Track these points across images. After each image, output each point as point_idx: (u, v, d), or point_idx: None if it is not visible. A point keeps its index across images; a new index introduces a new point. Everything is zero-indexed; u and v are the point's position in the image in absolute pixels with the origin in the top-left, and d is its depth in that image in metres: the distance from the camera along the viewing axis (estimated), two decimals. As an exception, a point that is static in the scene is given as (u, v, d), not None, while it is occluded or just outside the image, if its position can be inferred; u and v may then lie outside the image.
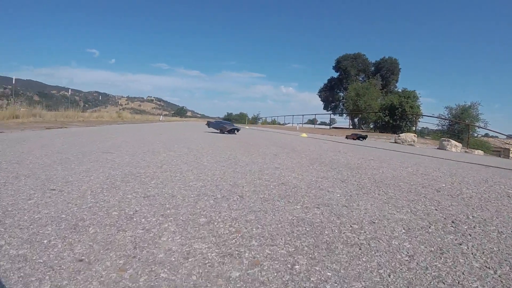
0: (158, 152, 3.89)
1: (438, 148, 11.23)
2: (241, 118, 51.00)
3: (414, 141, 12.43)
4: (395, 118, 20.06)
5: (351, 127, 26.71)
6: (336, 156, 4.72)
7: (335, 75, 40.00)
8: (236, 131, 9.90)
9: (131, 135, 6.89)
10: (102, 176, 2.33)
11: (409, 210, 1.88)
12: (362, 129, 25.60)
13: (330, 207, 1.85)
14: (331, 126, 30.05)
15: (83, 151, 3.65)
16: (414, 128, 19.45)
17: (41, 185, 1.98)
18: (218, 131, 9.89)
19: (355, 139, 12.17)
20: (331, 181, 2.66)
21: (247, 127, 25.09)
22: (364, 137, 12.93)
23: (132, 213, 1.56)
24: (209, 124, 10.88)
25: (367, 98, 25.04)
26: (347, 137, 12.92)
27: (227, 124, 10.00)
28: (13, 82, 12.99)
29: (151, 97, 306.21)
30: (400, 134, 13.16)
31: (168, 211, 1.62)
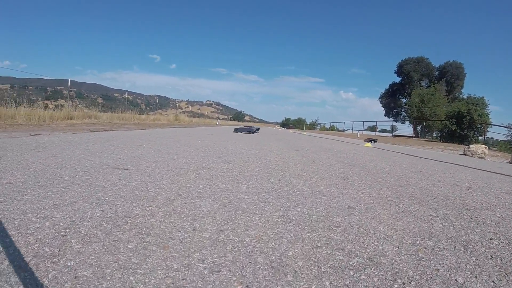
0: (186, 170, 3.01)
1: (510, 162, 8.87)
2: (299, 123, 50.22)
3: (484, 154, 10.57)
4: (462, 127, 19.24)
5: (413, 135, 25.43)
6: (423, 181, 3.38)
7: (397, 80, 39.11)
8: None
9: (172, 141, 6.27)
10: (50, 230, 1.46)
11: None
12: (426, 138, 24.72)
13: None
14: (393, 134, 28.64)
15: (92, 164, 2.93)
16: (481, 138, 18.93)
17: None
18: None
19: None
20: (450, 248, 1.44)
21: (305, 133, 23.89)
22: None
23: None
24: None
25: (432, 104, 24.31)
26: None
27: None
28: (68, 84, 13.74)
29: (210, 101, 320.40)
30: (470, 146, 11.23)
31: None
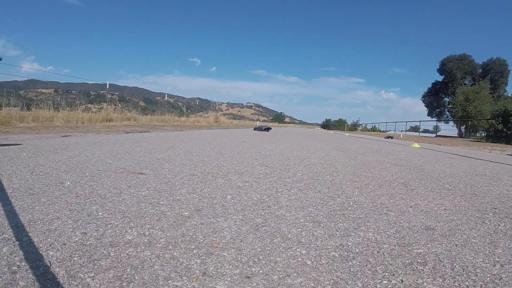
0: (214, 176, 2.53)
1: None
2: (340, 124, 49.32)
3: (534, 154, 9.15)
4: (509, 126, 18.59)
5: (457, 136, 24.81)
6: (495, 187, 2.87)
7: (440, 78, 39.28)
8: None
9: (207, 142, 5.89)
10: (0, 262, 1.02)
11: None
12: (470, 138, 24.45)
13: None
14: (436, 135, 28.00)
15: (106, 168, 2.57)
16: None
17: None
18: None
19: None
20: None
21: (347, 134, 22.82)
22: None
23: None
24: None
25: (477, 103, 23.76)
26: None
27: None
28: (107, 87, 14.09)
29: (250, 103, 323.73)
30: (520, 146, 10.03)
31: None
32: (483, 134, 23.84)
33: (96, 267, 0.97)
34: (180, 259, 1.04)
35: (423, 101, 41.45)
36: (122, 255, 1.06)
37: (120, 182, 2.10)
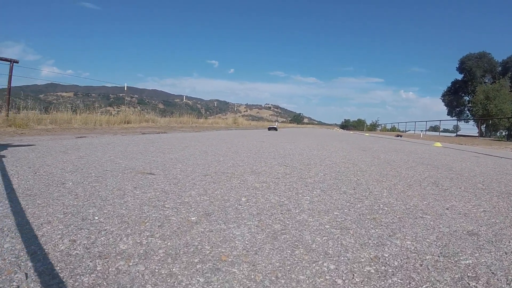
0: (229, 176, 2.35)
1: None
2: (359, 124, 48.84)
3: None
4: None
5: (477, 135, 24.28)
6: None
7: (459, 77, 38.65)
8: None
9: (224, 142, 5.73)
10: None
11: None
12: (491, 137, 24.09)
13: None
14: (457, 134, 27.58)
15: (115, 168, 2.43)
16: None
17: None
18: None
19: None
20: None
21: (366, 134, 22.38)
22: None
23: None
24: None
25: (498, 101, 23.29)
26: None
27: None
28: (125, 89, 14.23)
29: (268, 104, 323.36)
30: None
31: None
32: (503, 133, 23.75)
33: (76, 284, 0.80)
34: (180, 276, 0.85)
35: (443, 100, 41.28)
36: (110, 269, 0.88)
37: (126, 182, 1.95)
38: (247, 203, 1.61)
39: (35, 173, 2.14)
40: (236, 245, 1.07)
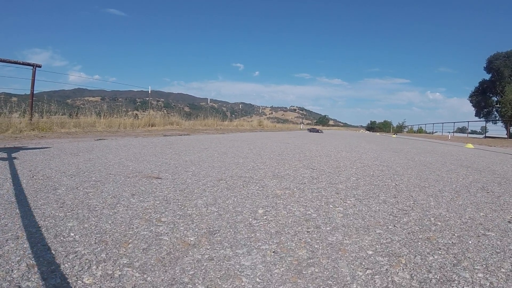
0: (246, 181, 2.05)
1: None
2: (385, 126, 47.73)
3: None
4: None
5: (506, 136, 23.49)
6: None
7: (487, 77, 36.98)
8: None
9: (246, 143, 5.45)
10: None
11: None
12: None
13: None
14: (485, 135, 27.07)
15: (120, 171, 2.21)
16: None
17: None
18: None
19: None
20: None
21: (394, 135, 21.80)
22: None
23: None
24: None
25: None
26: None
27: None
28: (149, 92, 14.30)
29: (294, 106, 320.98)
30: None
31: None
32: None
33: None
34: None
35: (470, 101, 40.08)
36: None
37: (125, 188, 1.69)
38: (264, 217, 1.29)
39: (32, 177, 1.94)
40: (243, 284, 0.76)
